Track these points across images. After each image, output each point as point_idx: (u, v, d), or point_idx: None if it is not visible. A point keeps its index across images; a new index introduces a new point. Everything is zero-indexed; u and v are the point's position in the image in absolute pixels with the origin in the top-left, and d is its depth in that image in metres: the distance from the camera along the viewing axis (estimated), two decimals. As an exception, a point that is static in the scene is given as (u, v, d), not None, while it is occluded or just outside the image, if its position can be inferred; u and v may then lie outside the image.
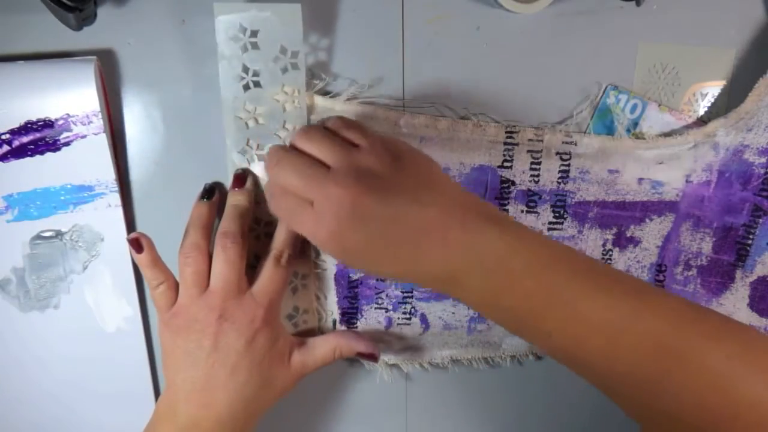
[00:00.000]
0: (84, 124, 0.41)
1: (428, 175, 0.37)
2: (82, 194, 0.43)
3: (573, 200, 0.47)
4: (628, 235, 0.48)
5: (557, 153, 0.46)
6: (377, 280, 0.47)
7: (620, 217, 0.47)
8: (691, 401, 0.32)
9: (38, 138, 0.41)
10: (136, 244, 0.41)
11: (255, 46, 0.41)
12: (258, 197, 0.43)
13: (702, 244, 0.48)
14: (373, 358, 0.47)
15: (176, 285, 0.41)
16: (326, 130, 0.38)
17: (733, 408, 0.31)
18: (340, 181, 0.34)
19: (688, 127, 0.46)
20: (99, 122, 0.41)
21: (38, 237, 0.44)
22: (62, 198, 0.43)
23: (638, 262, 0.48)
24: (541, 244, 0.35)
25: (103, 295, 0.45)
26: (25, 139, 0.41)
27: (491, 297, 0.35)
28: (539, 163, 0.46)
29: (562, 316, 0.34)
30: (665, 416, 0.33)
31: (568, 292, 0.34)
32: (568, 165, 0.46)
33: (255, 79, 0.41)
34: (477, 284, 0.35)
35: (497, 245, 0.34)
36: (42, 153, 0.42)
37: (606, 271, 0.36)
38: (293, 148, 0.38)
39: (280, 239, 0.42)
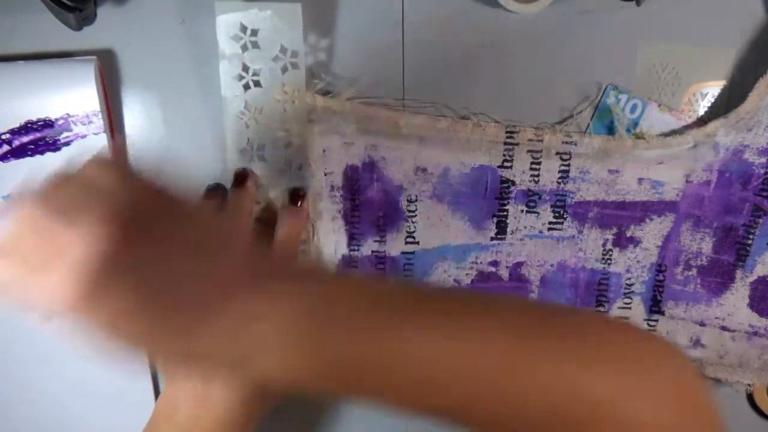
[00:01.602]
0: (84, 124, 0.41)
1: (206, 236, 0.29)
2: (82, 194, 0.43)
3: (573, 200, 0.47)
4: (628, 235, 0.48)
5: (557, 153, 0.46)
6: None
7: (620, 217, 0.47)
8: (551, 419, 0.28)
9: (38, 138, 0.41)
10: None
11: (255, 45, 0.41)
12: (258, 197, 0.44)
13: (702, 244, 0.48)
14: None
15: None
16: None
17: (589, 416, 0.28)
18: (58, 282, 0.26)
19: (688, 127, 0.46)
20: (99, 122, 0.41)
21: (38, 237, 0.44)
22: (62, 198, 0.43)
23: (638, 262, 0.48)
24: (342, 297, 0.29)
25: (103, 295, 0.45)
26: (25, 139, 0.41)
27: (294, 372, 0.28)
28: (539, 163, 0.46)
29: (390, 370, 0.28)
30: None
31: (393, 337, 0.28)
32: (568, 165, 0.46)
33: (255, 78, 0.41)
34: (268, 359, 0.28)
35: (286, 310, 0.28)
36: (42, 153, 0.42)
37: (430, 299, 0.30)
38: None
39: (280, 239, 0.42)
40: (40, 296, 0.26)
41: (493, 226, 0.47)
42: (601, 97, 0.46)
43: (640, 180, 0.46)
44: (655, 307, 0.49)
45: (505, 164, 0.46)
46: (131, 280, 0.26)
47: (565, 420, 0.28)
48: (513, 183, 0.46)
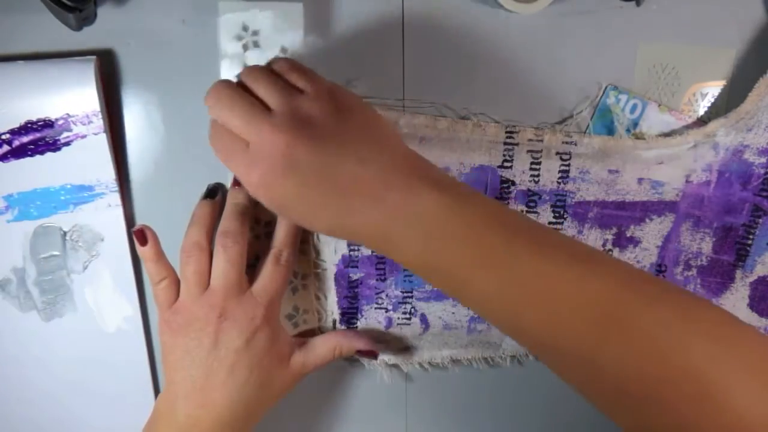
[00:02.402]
0: (84, 124, 0.41)
1: (374, 130, 0.36)
2: (82, 194, 0.43)
3: (573, 200, 0.47)
4: (628, 235, 0.48)
5: (557, 153, 0.46)
6: (377, 279, 0.47)
7: (620, 217, 0.47)
8: (632, 371, 0.30)
9: (38, 138, 0.41)
10: (141, 237, 0.41)
11: (257, 45, 0.41)
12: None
13: (702, 244, 0.48)
14: (372, 354, 0.47)
15: (178, 281, 0.41)
16: (272, 71, 0.37)
17: (672, 377, 0.30)
18: (276, 125, 0.33)
19: (688, 127, 0.46)
20: (99, 122, 0.41)
21: (38, 237, 0.44)
22: (62, 198, 0.43)
23: (638, 262, 0.48)
24: (481, 205, 0.34)
25: (103, 295, 0.45)
26: (25, 139, 0.41)
27: (427, 258, 0.34)
28: (539, 163, 0.46)
29: (500, 280, 0.33)
30: (610, 390, 0.32)
31: (508, 256, 0.33)
32: (568, 165, 0.46)
33: (255, 78, 0.41)
34: (413, 245, 0.34)
35: (436, 207, 0.33)
36: (42, 153, 0.42)
37: (551, 236, 0.34)
38: (238, 85, 0.36)
39: (279, 238, 0.42)
40: (236, 170, 0.35)
41: (493, 226, 0.47)
42: (601, 97, 0.46)
43: (640, 180, 0.47)
44: (655, 307, 0.49)
45: (505, 164, 0.46)
46: (299, 174, 0.33)
47: (650, 379, 0.30)
48: (513, 183, 0.46)
